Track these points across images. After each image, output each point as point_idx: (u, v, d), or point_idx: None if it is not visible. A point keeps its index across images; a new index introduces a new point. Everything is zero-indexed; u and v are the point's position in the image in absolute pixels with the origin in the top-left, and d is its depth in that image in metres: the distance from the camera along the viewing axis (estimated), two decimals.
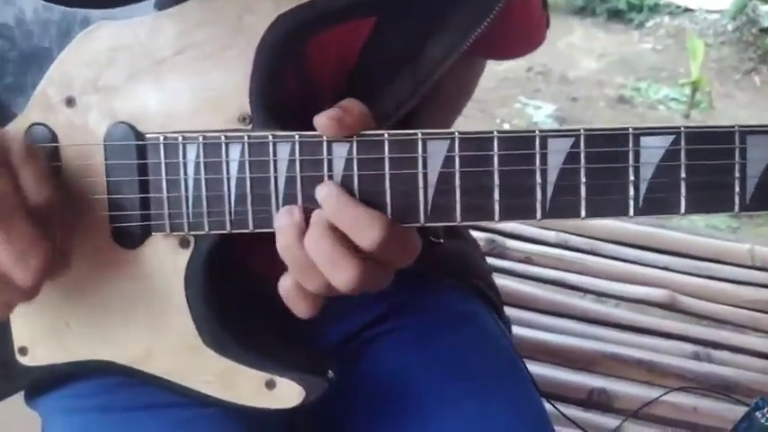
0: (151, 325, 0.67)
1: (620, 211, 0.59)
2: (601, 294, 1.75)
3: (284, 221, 0.61)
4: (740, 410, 1.35)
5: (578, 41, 4.62)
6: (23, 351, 0.70)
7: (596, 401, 1.43)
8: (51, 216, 0.60)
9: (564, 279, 1.75)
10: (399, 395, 0.80)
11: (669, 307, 1.70)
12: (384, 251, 0.60)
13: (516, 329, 1.52)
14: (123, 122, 0.64)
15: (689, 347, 1.57)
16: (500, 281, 1.40)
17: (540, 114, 3.86)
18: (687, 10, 4.84)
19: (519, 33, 0.82)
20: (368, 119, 0.61)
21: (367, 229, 0.59)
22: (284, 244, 0.61)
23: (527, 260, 1.78)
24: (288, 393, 0.67)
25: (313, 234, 0.60)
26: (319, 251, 0.60)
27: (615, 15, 4.86)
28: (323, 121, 0.60)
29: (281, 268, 0.63)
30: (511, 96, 3.95)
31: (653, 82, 4.19)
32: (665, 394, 1.42)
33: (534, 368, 0.93)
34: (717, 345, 1.60)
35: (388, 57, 0.71)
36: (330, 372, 0.68)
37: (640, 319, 1.65)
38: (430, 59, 0.69)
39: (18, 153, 0.59)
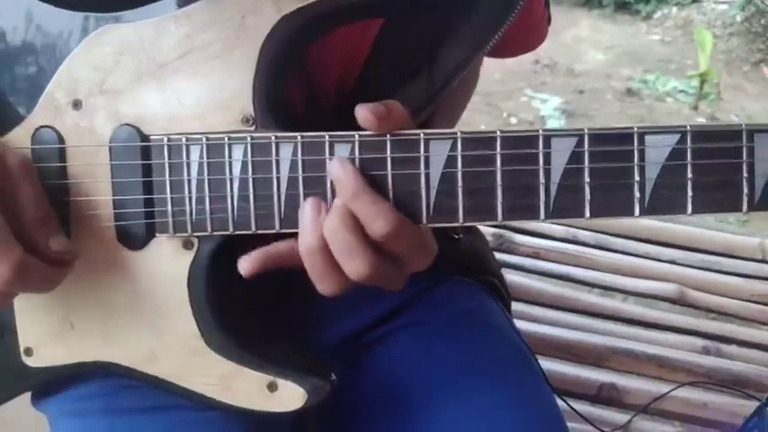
0: (154, 327, 0.67)
1: (626, 212, 0.58)
2: (609, 289, 1.74)
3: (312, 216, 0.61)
4: (751, 405, 1.35)
5: (585, 34, 4.60)
6: (29, 352, 0.70)
7: (606, 397, 1.43)
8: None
9: (572, 274, 1.75)
10: (409, 391, 0.80)
11: (678, 301, 1.69)
12: (395, 243, 0.60)
13: (525, 324, 1.53)
14: (128, 124, 0.64)
15: (699, 342, 1.57)
16: (508, 276, 1.40)
17: (547, 107, 3.85)
18: (695, 1, 4.82)
19: (522, 33, 0.81)
20: (409, 121, 0.61)
21: (378, 217, 0.59)
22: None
23: (535, 255, 1.78)
24: (290, 396, 0.67)
25: (333, 220, 0.60)
26: (337, 237, 0.59)
27: (622, 7, 4.84)
28: (366, 114, 0.59)
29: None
30: (517, 90, 3.93)
31: (661, 74, 4.17)
32: (674, 389, 1.42)
33: (544, 363, 0.92)
34: (727, 339, 1.59)
35: (397, 61, 0.70)
36: (333, 375, 0.68)
37: (650, 314, 1.65)
38: (444, 67, 0.69)
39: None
